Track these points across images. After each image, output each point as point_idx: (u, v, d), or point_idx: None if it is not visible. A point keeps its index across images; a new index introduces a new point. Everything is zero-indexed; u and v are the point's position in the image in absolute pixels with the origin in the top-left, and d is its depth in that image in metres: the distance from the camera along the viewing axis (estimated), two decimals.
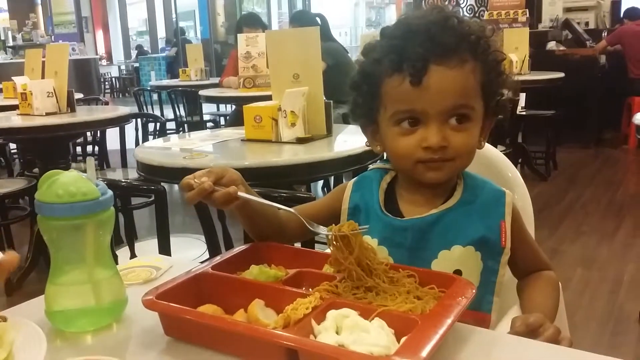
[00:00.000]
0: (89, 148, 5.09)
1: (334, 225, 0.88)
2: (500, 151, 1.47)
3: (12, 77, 4.12)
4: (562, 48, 6.81)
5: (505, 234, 1.01)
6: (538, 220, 1.34)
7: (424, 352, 0.66)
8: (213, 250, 2.28)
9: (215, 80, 5.91)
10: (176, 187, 5.49)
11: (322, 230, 0.89)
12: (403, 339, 0.71)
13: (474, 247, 1.00)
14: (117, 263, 1.00)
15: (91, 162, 0.88)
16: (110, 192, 0.86)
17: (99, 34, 16.36)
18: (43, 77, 3.56)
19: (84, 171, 0.87)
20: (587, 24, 7.20)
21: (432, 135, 0.94)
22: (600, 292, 2.99)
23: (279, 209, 0.96)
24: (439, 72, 0.93)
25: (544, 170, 5.34)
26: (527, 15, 6.79)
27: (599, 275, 3.20)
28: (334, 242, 0.87)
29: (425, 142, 0.95)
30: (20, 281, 3.18)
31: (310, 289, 0.85)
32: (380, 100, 1.00)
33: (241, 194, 0.95)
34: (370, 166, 1.14)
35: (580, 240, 3.76)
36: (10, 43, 13.31)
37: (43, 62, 3.64)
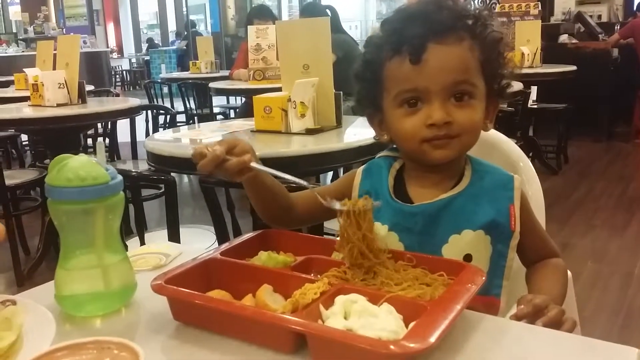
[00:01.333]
0: (100, 140, 5.11)
1: (347, 199, 0.89)
2: None
3: (24, 69, 4.14)
4: (574, 41, 6.76)
5: (514, 217, 1.01)
6: (548, 214, 1.33)
7: (433, 338, 0.66)
8: (222, 240, 2.28)
9: (226, 72, 5.91)
10: (186, 178, 5.53)
11: (336, 205, 0.89)
12: (411, 325, 0.71)
13: (483, 231, 1.00)
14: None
15: (101, 146, 0.89)
16: (120, 177, 0.86)
17: (110, 27, 16.41)
18: (54, 69, 3.57)
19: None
20: (599, 17, 7.15)
21: (435, 112, 0.95)
22: (610, 285, 2.97)
23: (293, 182, 0.96)
24: (438, 50, 0.95)
25: (555, 164, 5.32)
26: (539, 8, 6.73)
27: (609, 269, 3.19)
28: (346, 218, 0.87)
29: (430, 119, 0.96)
30: (31, 272, 3.21)
31: (318, 275, 0.85)
32: (383, 85, 1.01)
33: (254, 164, 0.94)
34: (379, 154, 1.13)
35: (591, 234, 3.74)
36: (22, 36, 13.36)
37: (54, 55, 3.65)
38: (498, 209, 1.00)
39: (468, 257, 0.99)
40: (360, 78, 1.06)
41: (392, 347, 0.64)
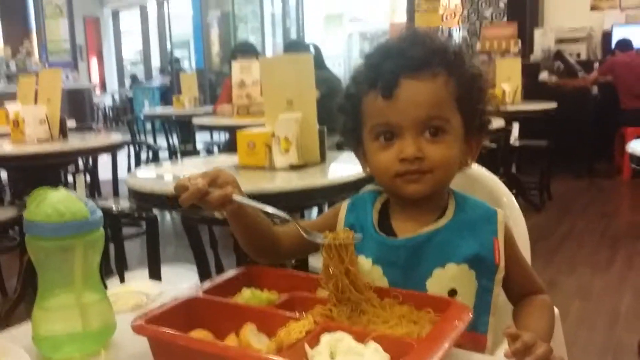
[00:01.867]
0: (79, 174, 5.07)
1: (328, 232, 0.89)
2: None
3: (5, 104, 4.12)
4: (554, 79, 6.87)
5: (498, 251, 1.00)
6: (533, 251, 1.33)
7: None
8: (205, 278, 2.25)
9: (209, 108, 5.92)
10: (168, 216, 5.48)
11: (318, 237, 0.89)
12: None
13: (467, 265, 0.99)
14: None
15: (81, 180, 0.88)
16: (99, 212, 0.84)
17: (94, 63, 16.42)
18: (36, 104, 3.55)
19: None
20: (578, 55, 7.28)
21: (407, 147, 0.96)
22: (598, 323, 2.96)
23: (274, 214, 0.95)
24: (410, 85, 0.96)
25: (538, 200, 5.35)
26: (519, 46, 6.87)
27: (595, 307, 3.18)
28: (328, 250, 0.87)
29: (402, 154, 0.97)
30: (9, 314, 3.12)
31: (303, 313, 0.84)
32: (362, 118, 1.03)
33: (236, 197, 0.93)
34: (364, 188, 1.13)
35: (577, 271, 3.74)
36: (4, 71, 13.31)
37: (36, 90, 3.63)
38: (482, 242, 1.00)
39: (453, 292, 0.98)
40: (343, 111, 1.07)
41: None
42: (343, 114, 1.07)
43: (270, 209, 0.94)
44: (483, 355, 0.82)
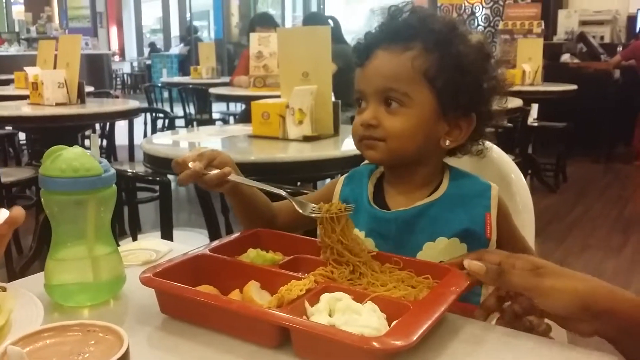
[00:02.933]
0: (94, 134, 5.12)
1: (322, 203, 0.93)
2: None
3: (24, 68, 4.16)
4: (576, 61, 6.79)
5: (490, 226, 1.01)
6: (545, 232, 1.34)
7: (414, 336, 0.67)
8: None
9: (226, 79, 5.93)
10: None
11: (313, 211, 0.93)
12: (394, 323, 0.71)
13: (458, 239, 1.01)
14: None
15: (95, 139, 0.90)
16: (112, 170, 0.87)
17: (113, 30, 16.44)
18: (55, 69, 3.58)
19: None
20: (602, 38, 7.19)
21: (365, 113, 1.01)
22: None
23: (272, 192, 0.99)
24: (380, 56, 1.00)
25: (553, 182, 5.32)
26: (543, 27, 6.78)
27: None
28: (321, 224, 0.90)
29: (360, 119, 1.01)
30: (24, 270, 3.19)
31: (306, 274, 0.86)
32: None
33: (233, 177, 0.99)
34: (363, 162, 1.15)
35: (587, 254, 3.74)
36: (25, 35, 13.38)
37: (55, 55, 3.66)
38: (473, 216, 1.01)
39: None
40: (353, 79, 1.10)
41: (374, 343, 0.65)
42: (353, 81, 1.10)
43: (265, 187, 1.01)
44: (477, 322, 0.84)
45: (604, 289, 0.79)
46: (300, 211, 0.95)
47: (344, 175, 1.14)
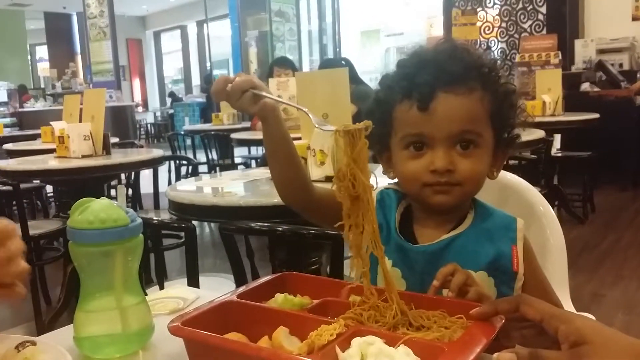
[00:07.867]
0: (120, 185, 5.18)
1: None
2: None
3: (51, 122, 4.25)
4: (596, 89, 6.76)
5: (517, 258, 1.00)
6: (577, 264, 1.32)
7: None
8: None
9: (247, 124, 6.00)
10: (207, 228, 5.55)
11: (329, 127, 0.91)
12: None
13: (486, 273, 0.99)
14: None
15: (122, 189, 0.90)
16: (139, 220, 0.87)
17: (136, 82, 16.84)
18: (80, 122, 3.65)
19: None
20: (620, 65, 7.14)
21: (438, 159, 0.98)
22: None
23: (294, 106, 1.07)
24: (446, 99, 0.97)
25: (582, 212, 5.24)
26: (560, 57, 6.78)
27: (639, 320, 3.10)
28: (337, 138, 0.88)
29: (432, 166, 0.98)
30: (52, 322, 3.21)
31: (335, 318, 0.85)
32: (392, 125, 1.04)
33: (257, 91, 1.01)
34: (388, 184, 1.14)
35: (621, 284, 3.65)
36: (50, 91, 13.73)
37: (81, 109, 3.74)
38: (499, 249, 1.00)
39: None
40: (371, 116, 1.06)
41: None
42: (371, 118, 1.08)
43: (289, 103, 1.05)
44: None
45: None
46: (316, 125, 0.93)
47: (374, 199, 1.12)
